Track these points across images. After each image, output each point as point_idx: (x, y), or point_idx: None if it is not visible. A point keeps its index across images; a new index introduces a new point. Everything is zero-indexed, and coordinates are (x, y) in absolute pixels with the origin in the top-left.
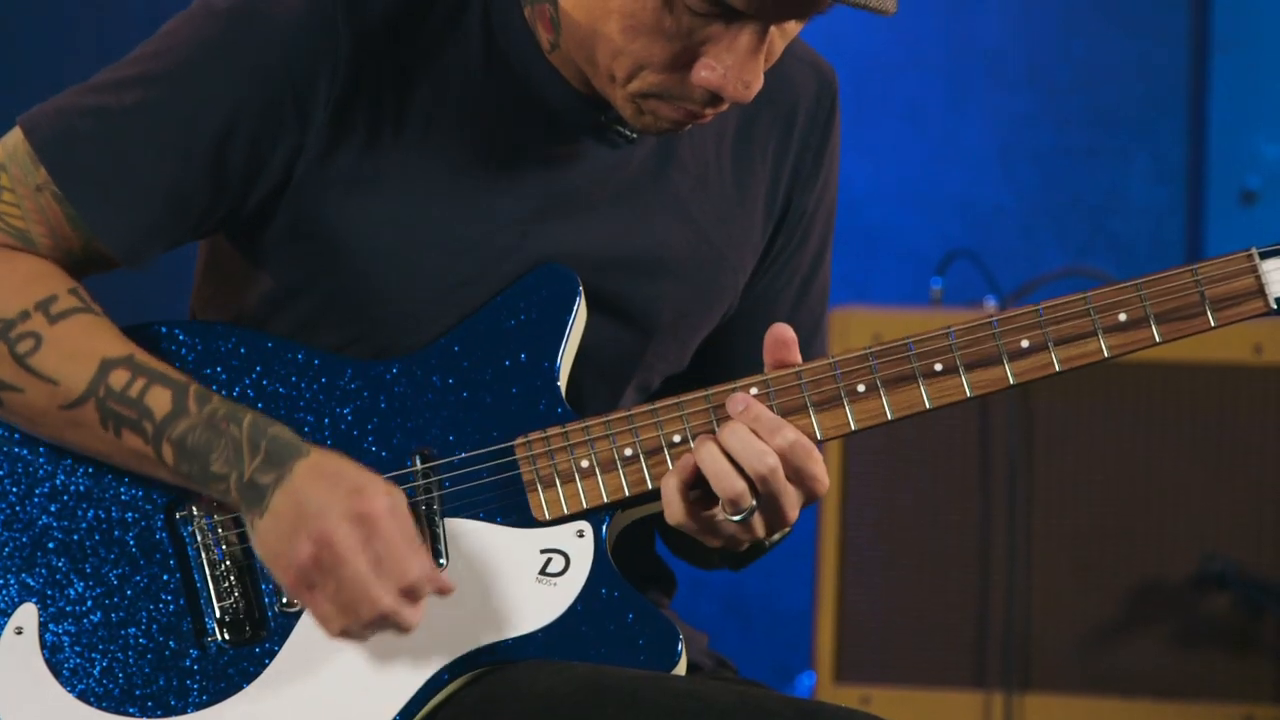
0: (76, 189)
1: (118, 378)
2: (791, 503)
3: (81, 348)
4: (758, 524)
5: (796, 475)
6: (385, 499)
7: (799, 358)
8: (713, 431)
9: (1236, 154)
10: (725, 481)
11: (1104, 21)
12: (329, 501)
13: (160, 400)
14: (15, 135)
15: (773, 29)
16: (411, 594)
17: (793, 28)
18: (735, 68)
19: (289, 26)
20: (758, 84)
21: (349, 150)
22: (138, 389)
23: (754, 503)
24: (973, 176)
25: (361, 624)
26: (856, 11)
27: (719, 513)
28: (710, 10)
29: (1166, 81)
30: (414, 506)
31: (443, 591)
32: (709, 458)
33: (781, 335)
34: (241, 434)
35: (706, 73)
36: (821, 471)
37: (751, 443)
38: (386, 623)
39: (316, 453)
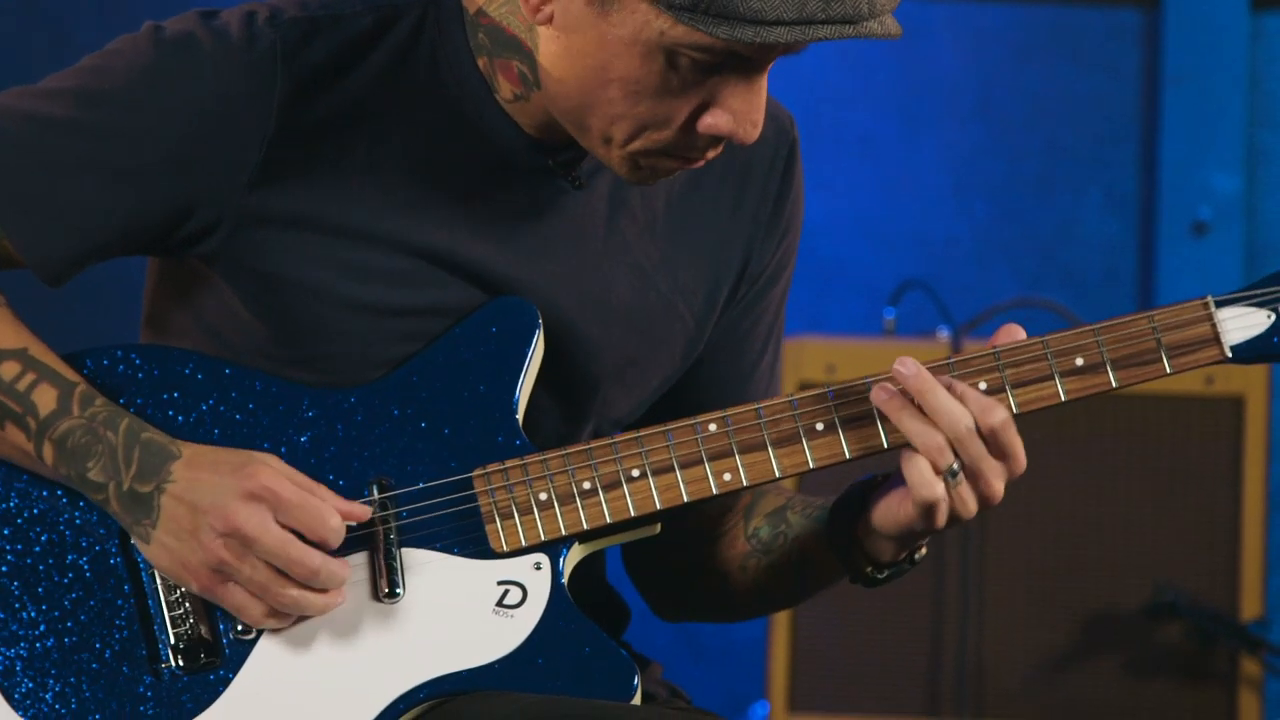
0: None
1: (8, 369)
2: (994, 471)
3: None
4: (967, 495)
5: (993, 437)
6: (267, 468)
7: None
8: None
9: (1188, 186)
10: (926, 438)
11: (1056, 55)
12: (219, 490)
13: (46, 398)
14: None
15: None
16: (328, 543)
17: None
18: (743, 111)
19: (224, 63)
20: (762, 120)
21: (286, 189)
22: (26, 383)
23: (955, 463)
24: (926, 208)
25: (288, 597)
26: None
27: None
28: (714, 61)
29: (1118, 114)
30: (371, 536)
31: (358, 518)
32: (909, 419)
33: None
34: (117, 440)
35: (715, 120)
36: (1014, 438)
37: (948, 403)
38: (316, 580)
39: (188, 449)
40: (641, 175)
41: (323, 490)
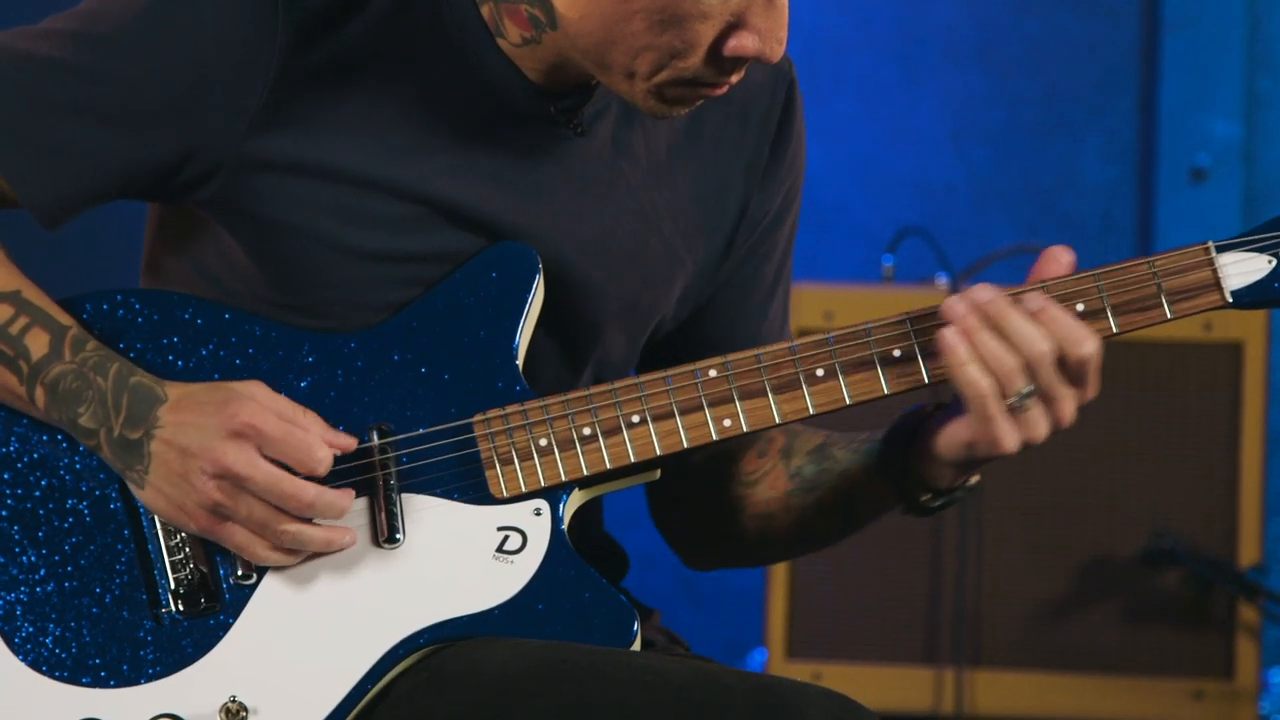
0: None
1: (1, 312)
2: (1068, 396)
3: None
4: (1039, 419)
5: (1066, 361)
6: (249, 403)
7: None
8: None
9: (1186, 132)
10: (1000, 362)
11: (1055, 1)
12: (204, 431)
13: (39, 342)
14: None
15: None
16: (316, 474)
17: None
18: (769, 29)
19: (225, 8)
20: (786, 36)
21: (287, 135)
22: (19, 326)
23: (1029, 387)
24: (924, 155)
25: (288, 533)
26: None
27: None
28: None
29: (1117, 60)
30: (371, 482)
31: (345, 448)
32: (984, 340)
33: (1056, 255)
34: (107, 385)
35: (741, 41)
36: (1092, 355)
37: (1023, 326)
38: (313, 513)
39: (174, 390)
40: (666, 108)
41: (309, 418)
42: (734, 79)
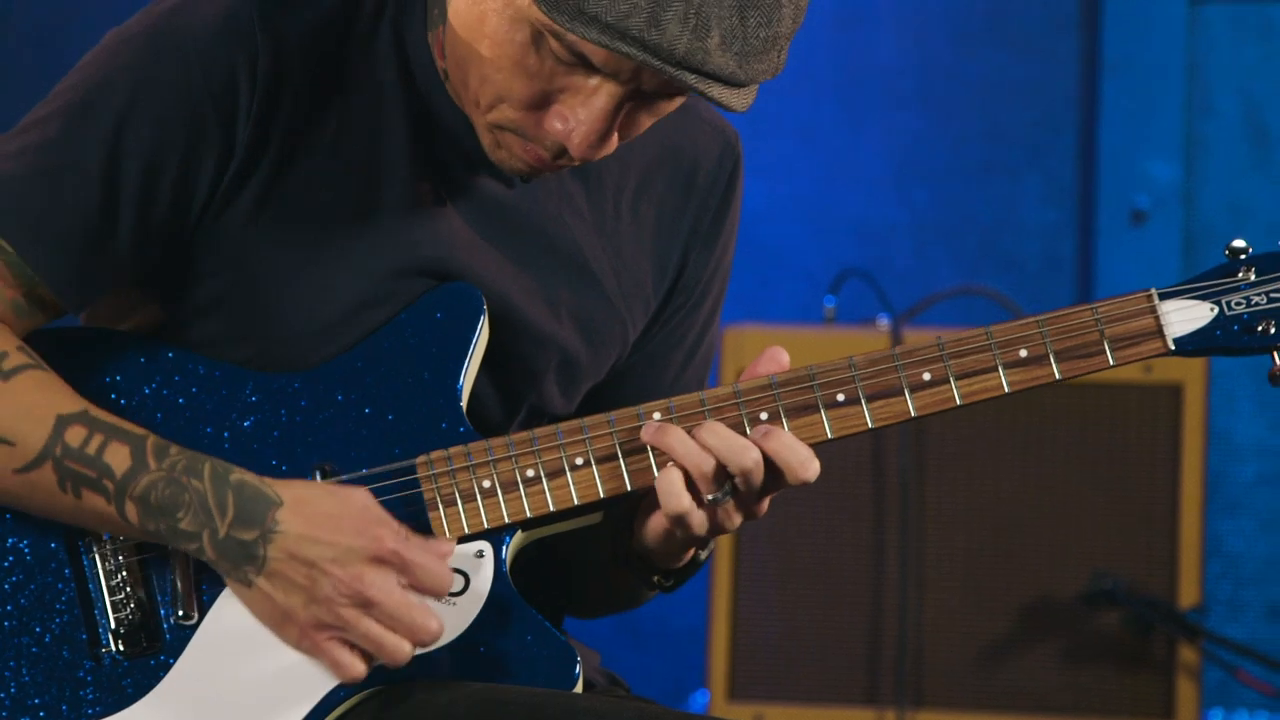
0: (13, 230)
1: (74, 434)
2: (753, 496)
3: (36, 404)
4: (734, 513)
5: (775, 469)
6: (388, 528)
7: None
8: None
9: (1126, 174)
10: (698, 463)
11: (996, 42)
12: (343, 553)
13: (119, 456)
14: None
15: (637, 102)
16: (441, 597)
17: (663, 106)
18: (585, 123)
19: (207, 41)
20: (606, 148)
21: (262, 168)
22: (96, 445)
23: (727, 487)
24: (866, 196)
25: (403, 654)
26: None
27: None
28: (571, 59)
29: (1058, 102)
30: None
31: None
32: (680, 443)
33: (774, 355)
34: (205, 487)
35: (558, 123)
36: (802, 460)
37: (732, 439)
38: (428, 637)
39: (286, 492)
40: (500, 156)
41: (439, 543)
42: (560, 163)
